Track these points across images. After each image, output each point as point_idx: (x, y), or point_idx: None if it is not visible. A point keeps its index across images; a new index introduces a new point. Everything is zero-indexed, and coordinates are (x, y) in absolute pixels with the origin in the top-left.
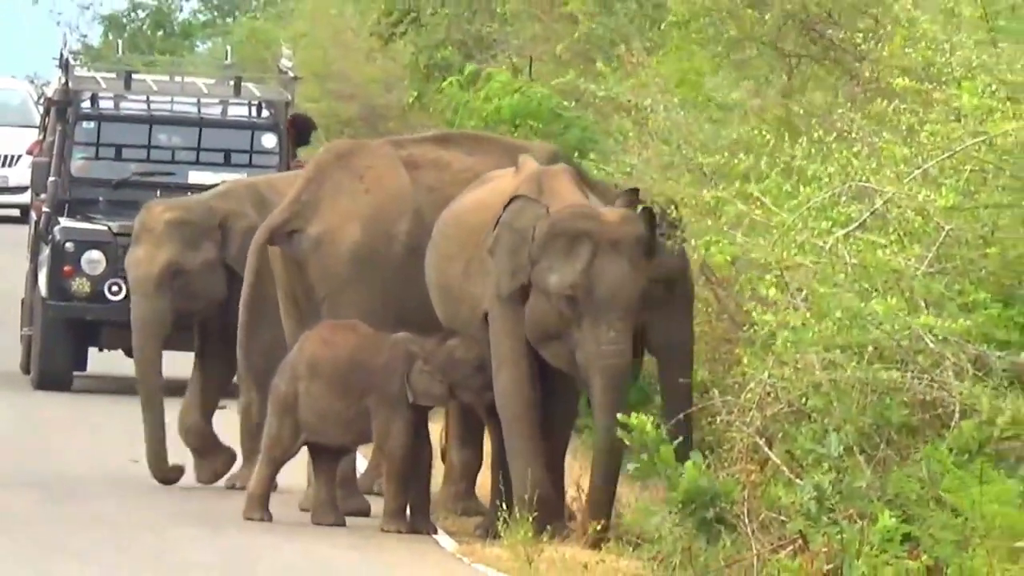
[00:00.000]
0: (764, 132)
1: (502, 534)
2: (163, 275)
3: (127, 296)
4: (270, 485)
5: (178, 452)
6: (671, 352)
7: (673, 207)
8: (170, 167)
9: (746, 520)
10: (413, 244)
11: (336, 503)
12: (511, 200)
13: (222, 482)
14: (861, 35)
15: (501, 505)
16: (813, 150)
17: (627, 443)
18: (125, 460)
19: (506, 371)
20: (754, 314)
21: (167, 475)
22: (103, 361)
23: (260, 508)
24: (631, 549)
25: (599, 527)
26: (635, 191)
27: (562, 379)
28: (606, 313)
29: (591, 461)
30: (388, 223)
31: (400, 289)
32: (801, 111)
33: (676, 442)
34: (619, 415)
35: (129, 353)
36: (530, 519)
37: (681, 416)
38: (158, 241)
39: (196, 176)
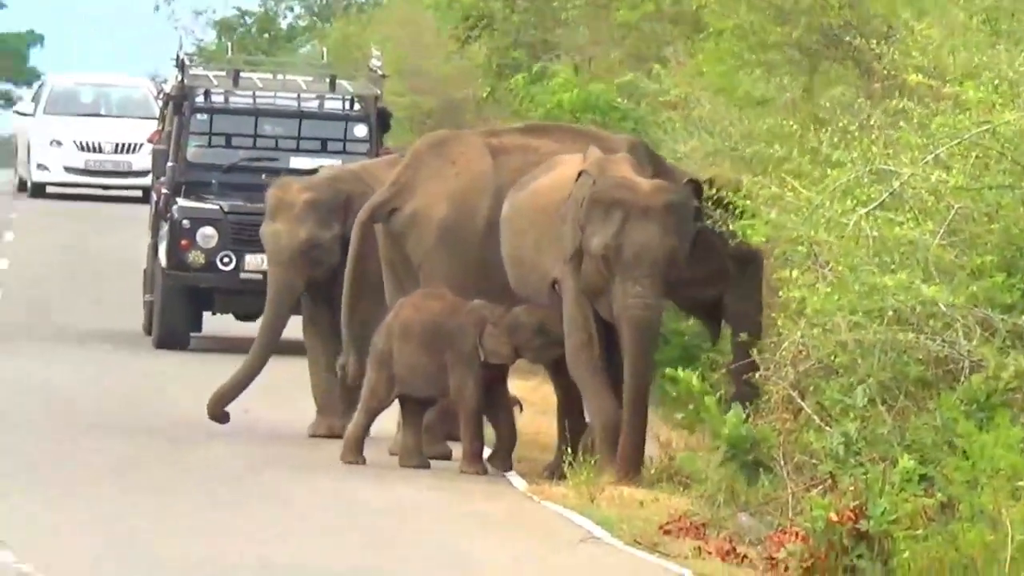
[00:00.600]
0: (792, 124)
1: (568, 475)
2: (302, 248)
3: (237, 267)
4: (366, 432)
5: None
6: (741, 320)
7: (727, 189)
8: (273, 154)
9: (782, 463)
10: (493, 219)
11: (421, 448)
12: (578, 175)
13: (306, 431)
14: (876, 40)
15: (566, 449)
16: (836, 139)
17: (673, 394)
18: (235, 409)
19: (576, 333)
20: (787, 283)
21: (218, 413)
22: (215, 323)
23: (356, 452)
24: (681, 488)
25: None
26: (702, 180)
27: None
28: (633, 271)
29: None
30: (472, 201)
31: (483, 258)
32: (826, 104)
33: (734, 394)
34: (646, 362)
35: (240, 316)
36: (592, 461)
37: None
38: (298, 218)
39: (296, 162)
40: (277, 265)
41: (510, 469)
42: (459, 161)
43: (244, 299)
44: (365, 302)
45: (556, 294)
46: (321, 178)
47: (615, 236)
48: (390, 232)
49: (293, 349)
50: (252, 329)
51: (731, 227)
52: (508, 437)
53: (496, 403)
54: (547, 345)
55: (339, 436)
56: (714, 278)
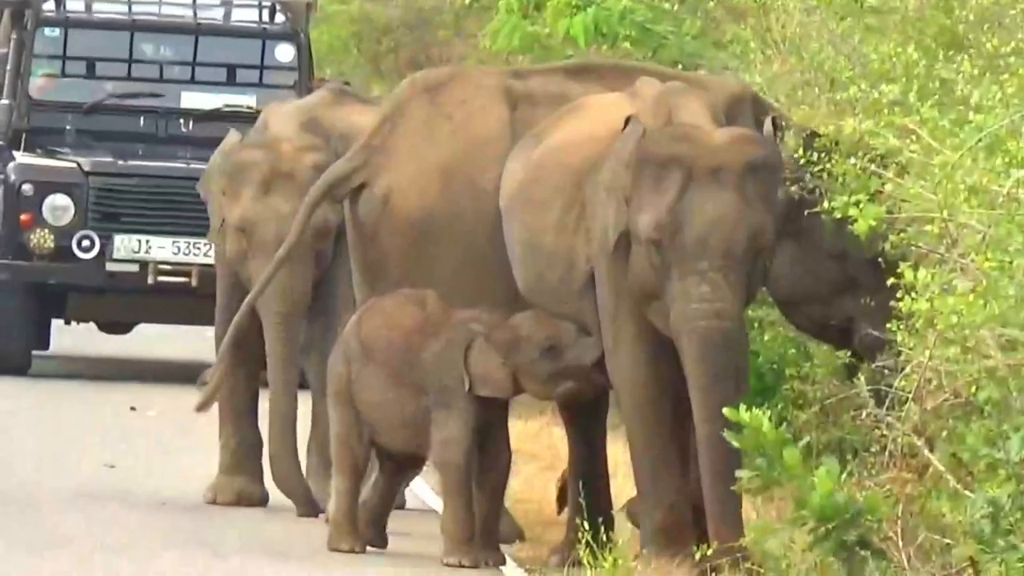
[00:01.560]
0: (912, 53)
1: (586, 562)
2: (316, 235)
3: (101, 254)
4: (355, 501)
5: None
6: (876, 350)
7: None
8: (157, 87)
9: (899, 544)
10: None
11: (384, 521)
12: (626, 122)
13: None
14: None
15: (582, 524)
16: (981, 68)
17: (735, 445)
18: (98, 465)
19: (624, 349)
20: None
21: (298, 491)
22: (70, 337)
23: (348, 535)
24: None
25: (712, 548)
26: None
27: None
28: (697, 261)
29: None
30: (475, 173)
31: (491, 262)
32: (968, 16)
33: (802, 443)
34: (720, 396)
35: (105, 327)
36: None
37: None
38: (305, 191)
39: (191, 99)
40: (286, 263)
41: (500, 558)
42: (458, 115)
43: (111, 301)
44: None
45: (589, 301)
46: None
47: (671, 210)
48: (356, 217)
49: None
50: (124, 346)
51: (826, 205)
52: (499, 506)
53: (485, 456)
54: (560, 373)
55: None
56: (830, 285)
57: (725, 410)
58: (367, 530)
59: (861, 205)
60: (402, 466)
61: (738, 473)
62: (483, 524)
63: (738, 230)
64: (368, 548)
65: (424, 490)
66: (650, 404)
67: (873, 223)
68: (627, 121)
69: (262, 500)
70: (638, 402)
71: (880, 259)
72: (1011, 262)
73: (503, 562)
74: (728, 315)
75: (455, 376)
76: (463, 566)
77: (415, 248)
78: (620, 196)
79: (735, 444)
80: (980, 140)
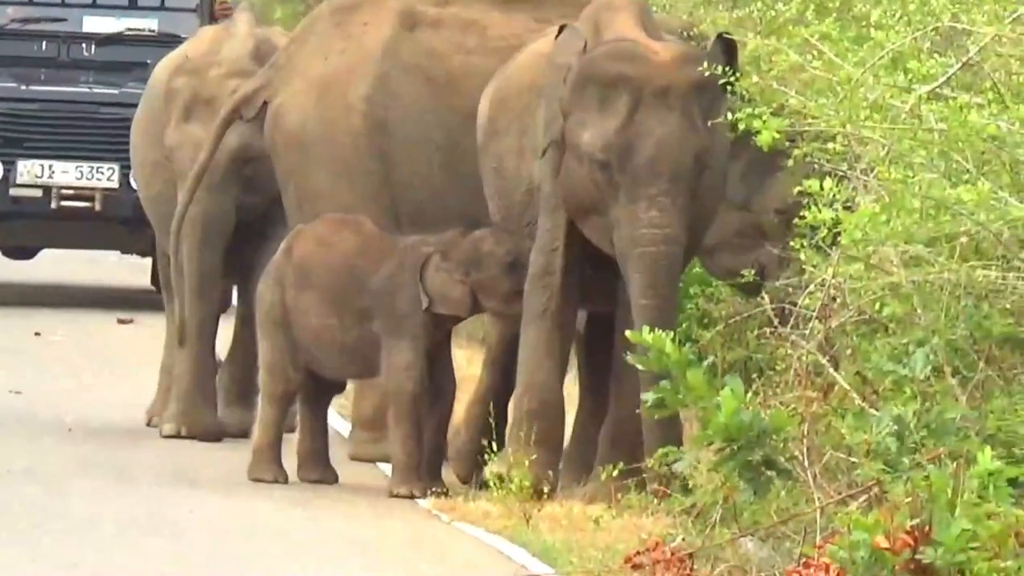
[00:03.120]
0: None
1: (492, 483)
2: (235, 162)
3: (4, 180)
4: (280, 431)
5: None
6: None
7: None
8: (59, 11)
9: (805, 463)
10: (377, 117)
11: (326, 453)
12: (558, 31)
13: (142, 417)
14: None
15: (490, 446)
16: None
17: (639, 368)
18: (3, 391)
19: (542, 255)
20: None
21: (207, 428)
22: None
23: (271, 464)
24: (655, 502)
25: (615, 469)
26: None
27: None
28: (647, 185)
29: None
30: (346, 89)
31: (366, 174)
32: None
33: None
34: (663, 317)
35: (8, 252)
36: (528, 459)
37: None
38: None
39: (93, 23)
40: (202, 189)
41: (443, 488)
42: (355, 34)
43: (15, 227)
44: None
45: None
46: (243, 53)
47: (619, 131)
48: (264, 135)
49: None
50: (27, 271)
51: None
52: (444, 435)
53: (431, 386)
54: (521, 290)
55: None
56: (737, 234)
57: (627, 333)
58: (314, 470)
59: (764, 118)
60: (327, 391)
61: (642, 396)
62: (430, 454)
63: (685, 153)
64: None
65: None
66: (552, 293)
67: (777, 135)
68: (560, 29)
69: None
70: (542, 295)
71: (784, 210)
72: (914, 176)
73: (446, 492)
74: (675, 239)
75: (408, 299)
76: (414, 496)
77: (297, 161)
78: (556, 106)
79: (639, 366)
80: (882, 57)
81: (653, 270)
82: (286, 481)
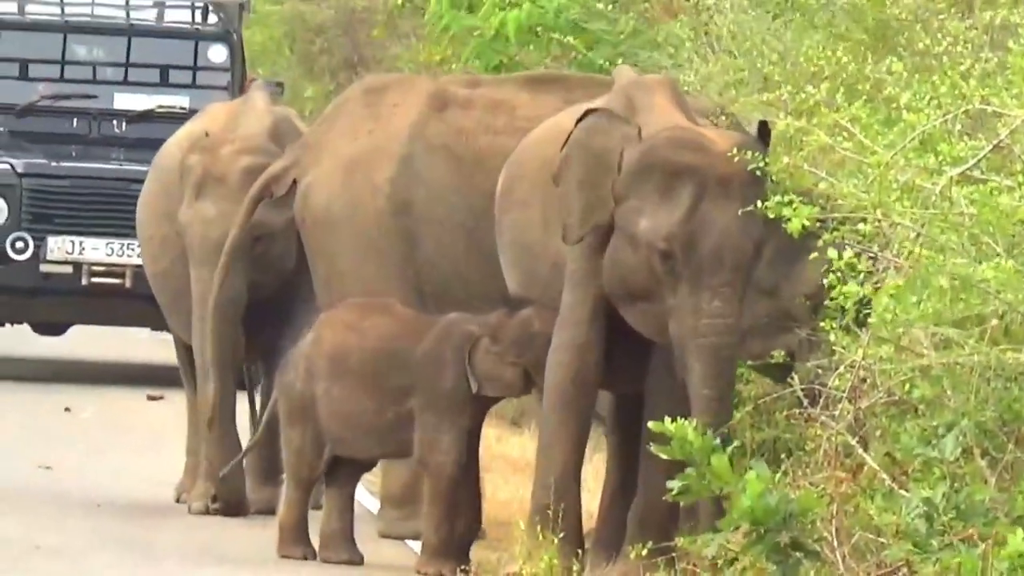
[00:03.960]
0: (838, 55)
1: (521, 561)
2: (245, 241)
3: (35, 255)
4: (306, 510)
5: None
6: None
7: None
8: (90, 88)
9: (834, 544)
10: (402, 199)
11: (351, 534)
12: (585, 114)
13: (171, 493)
14: None
15: (519, 523)
16: (912, 67)
17: (663, 457)
18: (32, 466)
19: (566, 330)
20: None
21: (238, 503)
22: (4, 339)
23: (299, 542)
24: None
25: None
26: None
27: (666, 360)
28: (712, 275)
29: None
30: (373, 170)
31: (392, 256)
32: (900, 15)
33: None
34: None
35: (39, 328)
36: (555, 540)
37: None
38: (236, 196)
39: (124, 100)
40: (208, 268)
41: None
42: (384, 115)
43: (46, 303)
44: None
45: None
46: (260, 130)
47: (684, 221)
48: (295, 215)
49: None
50: (57, 347)
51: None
52: (476, 518)
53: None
54: None
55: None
56: (766, 320)
57: (649, 424)
58: (338, 551)
59: (794, 205)
60: (354, 472)
61: (668, 484)
62: (461, 533)
63: (747, 243)
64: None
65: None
66: (579, 372)
67: (807, 223)
68: (587, 112)
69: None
70: (569, 370)
71: (813, 295)
72: (943, 258)
73: (466, 570)
74: (736, 330)
75: (452, 378)
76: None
77: (325, 240)
78: (601, 192)
79: (663, 456)
80: (912, 139)
81: (716, 361)
82: (315, 557)
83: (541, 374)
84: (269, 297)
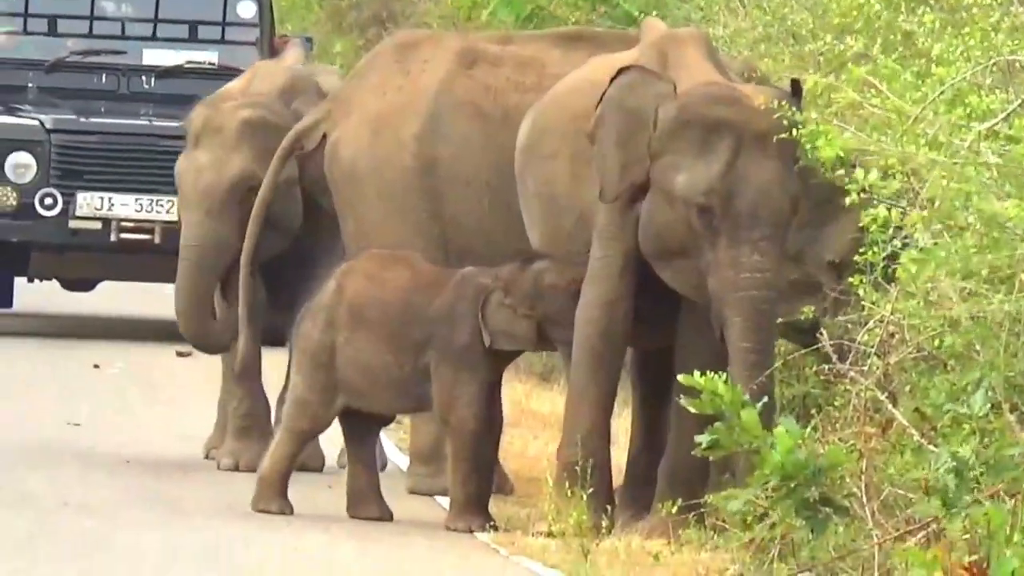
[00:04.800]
0: (874, 3)
1: (549, 517)
2: (235, 189)
3: (64, 211)
4: (292, 466)
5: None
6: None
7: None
8: (119, 44)
9: (863, 500)
10: (427, 156)
11: (378, 488)
12: (619, 72)
13: (199, 450)
14: None
15: (548, 480)
16: (939, 23)
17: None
18: (61, 422)
19: (596, 286)
20: (872, 229)
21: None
22: (34, 295)
23: (277, 496)
24: (713, 537)
25: (674, 505)
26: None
27: (695, 316)
28: (750, 230)
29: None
30: (399, 125)
31: (417, 212)
32: None
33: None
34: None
35: (68, 285)
36: (584, 496)
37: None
38: (230, 144)
39: (153, 55)
40: (202, 215)
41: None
42: (414, 71)
43: (75, 259)
44: (290, 268)
45: None
46: (271, 87)
47: (722, 176)
48: (324, 168)
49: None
50: (86, 303)
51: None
52: (493, 465)
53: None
54: None
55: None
56: (791, 285)
57: (680, 377)
58: (367, 508)
59: (829, 135)
60: (371, 427)
61: (697, 438)
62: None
63: (785, 197)
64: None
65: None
66: (609, 329)
67: (841, 153)
68: (621, 70)
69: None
70: (599, 328)
71: (838, 263)
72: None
73: (495, 525)
74: (776, 284)
75: (468, 332)
76: (472, 531)
77: (352, 195)
78: (638, 150)
79: (693, 410)
80: (942, 93)
81: (756, 314)
82: (291, 512)
83: (554, 327)
84: (292, 254)
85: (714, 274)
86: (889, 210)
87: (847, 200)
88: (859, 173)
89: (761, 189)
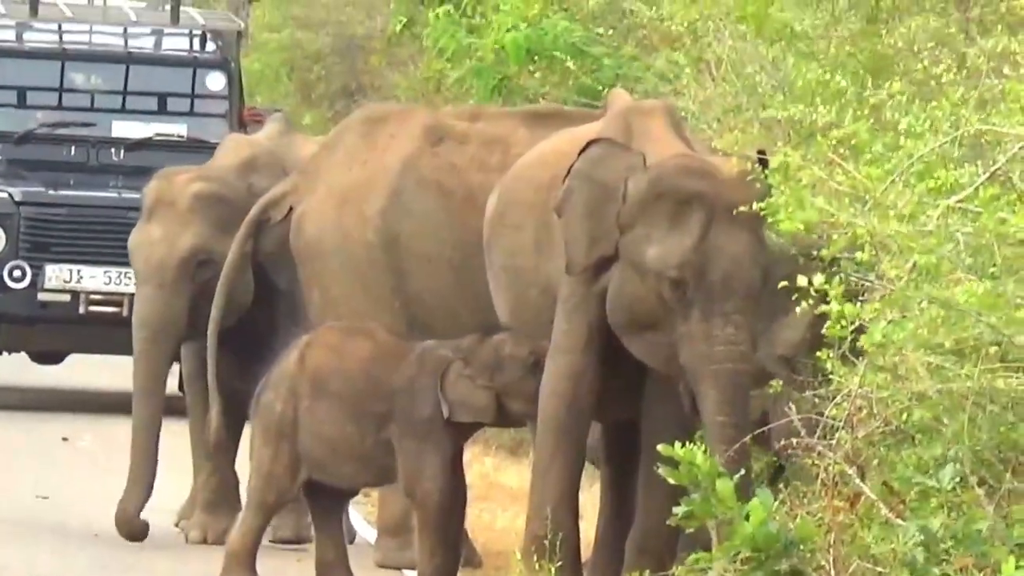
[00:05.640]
0: (839, 79)
1: None
2: (187, 263)
3: (33, 284)
4: (259, 538)
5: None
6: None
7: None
8: (88, 116)
9: (832, 573)
10: (390, 232)
11: (347, 562)
12: (587, 144)
13: (171, 521)
14: None
15: (516, 553)
16: (910, 94)
17: (670, 481)
18: (30, 495)
19: (560, 358)
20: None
21: (134, 529)
22: (2, 367)
23: (245, 569)
24: None
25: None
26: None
27: (661, 387)
28: (723, 302)
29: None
30: (363, 201)
31: (380, 287)
32: (896, 42)
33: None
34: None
35: (37, 357)
36: (552, 569)
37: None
38: (182, 219)
39: (122, 127)
40: (154, 288)
41: None
42: (380, 146)
43: (43, 331)
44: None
45: None
46: (221, 164)
47: (696, 249)
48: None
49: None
50: (54, 375)
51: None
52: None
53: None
54: None
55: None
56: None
57: (659, 447)
58: None
59: (790, 208)
60: (338, 500)
61: (674, 509)
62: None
63: (755, 270)
64: None
65: (356, 520)
66: (569, 415)
67: (800, 226)
68: (589, 143)
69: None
70: (557, 411)
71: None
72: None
73: None
74: (749, 357)
75: (429, 405)
76: None
77: (317, 268)
78: (606, 223)
79: (671, 480)
80: (911, 166)
81: (732, 387)
82: None
83: (513, 399)
84: (245, 327)
85: (686, 347)
86: (843, 305)
87: (799, 305)
88: (814, 278)
89: (734, 261)
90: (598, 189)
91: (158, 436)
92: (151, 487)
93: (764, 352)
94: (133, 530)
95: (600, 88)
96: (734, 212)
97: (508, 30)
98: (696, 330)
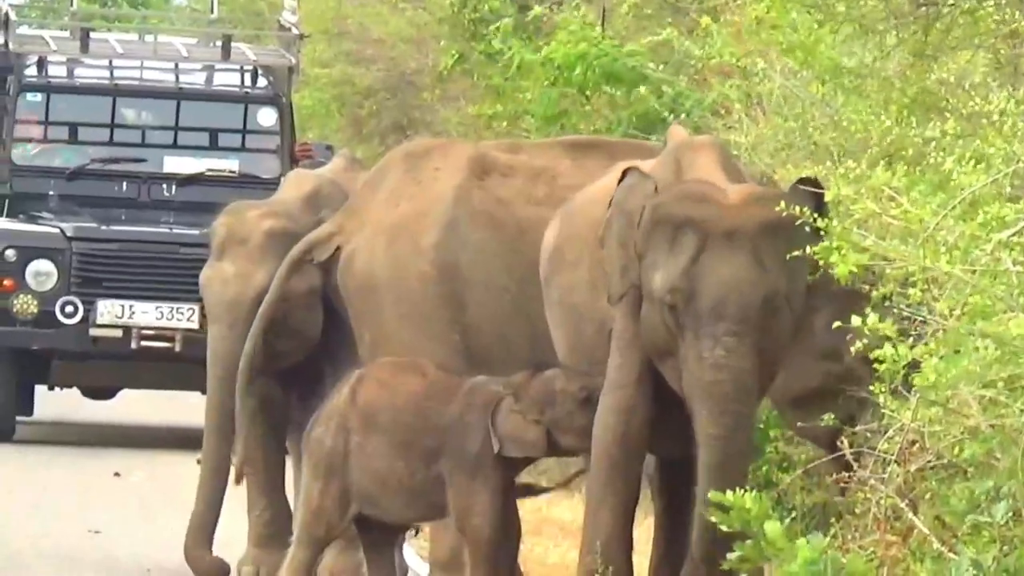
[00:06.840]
0: (883, 119)
1: None
2: (260, 301)
3: (85, 319)
4: (308, 573)
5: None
6: None
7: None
8: (140, 152)
9: None
10: (447, 263)
11: None
12: (622, 174)
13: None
14: None
15: None
16: (960, 129)
17: (724, 529)
18: (82, 531)
19: (613, 393)
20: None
21: (205, 567)
22: (54, 403)
23: None
24: None
25: None
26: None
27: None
28: (713, 325)
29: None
30: (417, 235)
31: (435, 320)
32: (948, 77)
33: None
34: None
35: (89, 392)
36: None
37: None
38: (255, 257)
39: (173, 163)
40: (227, 327)
41: None
42: (427, 180)
43: (96, 367)
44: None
45: None
46: (289, 197)
47: (685, 274)
48: (338, 281)
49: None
50: (107, 411)
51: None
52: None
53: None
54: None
55: None
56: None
57: (709, 495)
58: None
59: (843, 251)
60: (390, 535)
61: (729, 556)
62: None
63: (753, 294)
64: None
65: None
66: (620, 449)
67: (854, 269)
68: (624, 173)
69: None
70: (607, 446)
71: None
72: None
73: None
74: (740, 371)
75: (479, 440)
76: None
77: (369, 306)
78: (631, 251)
79: (723, 527)
80: (961, 200)
81: (717, 397)
82: None
83: (563, 434)
84: (304, 364)
85: (684, 371)
86: (895, 347)
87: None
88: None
89: (725, 285)
90: (625, 218)
91: (227, 478)
92: (214, 529)
93: (849, 356)
94: (211, 568)
95: (665, 115)
96: (731, 236)
97: (569, 51)
98: (688, 353)
